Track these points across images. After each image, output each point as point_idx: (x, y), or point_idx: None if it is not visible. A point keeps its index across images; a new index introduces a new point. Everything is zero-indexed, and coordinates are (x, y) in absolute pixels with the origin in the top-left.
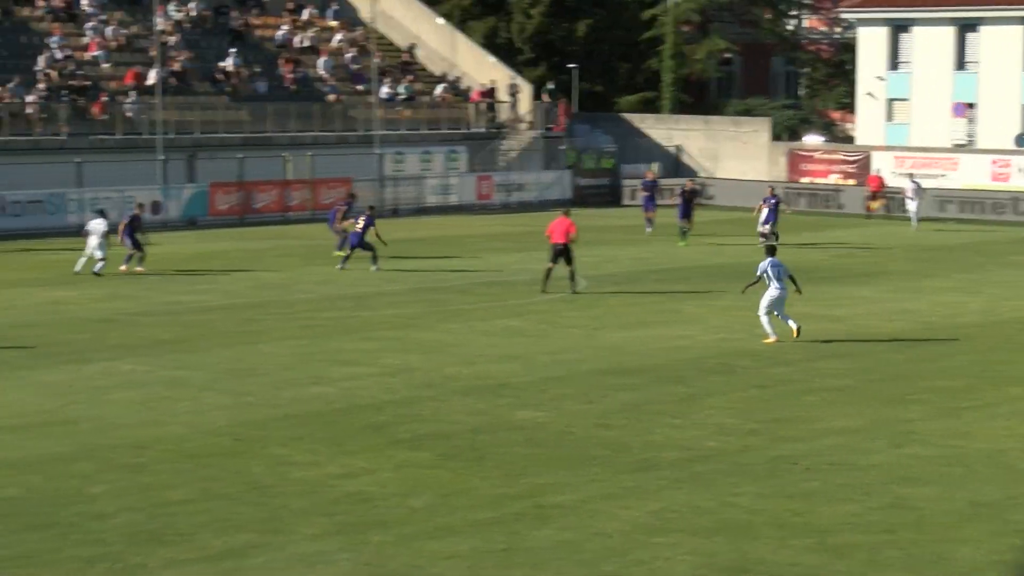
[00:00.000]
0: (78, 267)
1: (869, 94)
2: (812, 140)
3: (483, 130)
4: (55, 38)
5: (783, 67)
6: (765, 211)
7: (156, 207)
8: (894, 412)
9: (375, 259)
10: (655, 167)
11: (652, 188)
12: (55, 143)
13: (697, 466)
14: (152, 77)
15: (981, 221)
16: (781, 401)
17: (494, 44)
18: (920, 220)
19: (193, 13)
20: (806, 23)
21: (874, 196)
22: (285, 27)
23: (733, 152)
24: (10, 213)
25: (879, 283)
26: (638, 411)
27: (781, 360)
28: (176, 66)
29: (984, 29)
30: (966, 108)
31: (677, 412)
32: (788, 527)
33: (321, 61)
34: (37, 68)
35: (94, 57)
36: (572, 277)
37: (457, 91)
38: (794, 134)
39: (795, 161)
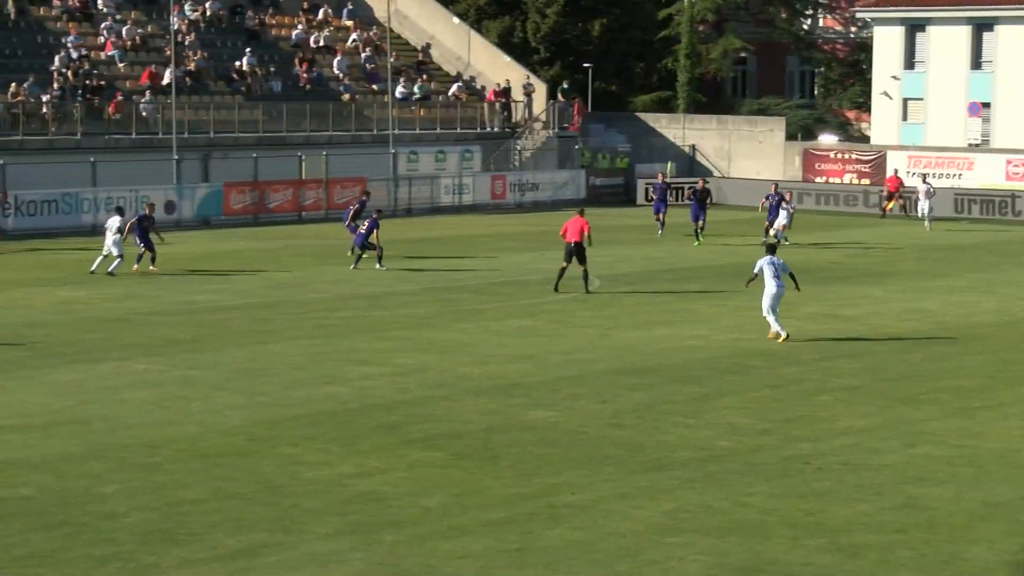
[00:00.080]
0: (93, 266)
1: (884, 93)
2: (827, 140)
3: (497, 130)
4: (71, 37)
5: (798, 66)
6: (782, 211)
7: (170, 206)
8: (907, 412)
9: (380, 259)
10: (670, 167)
11: (663, 191)
12: (70, 142)
13: (710, 466)
14: (167, 76)
15: (996, 221)
16: (794, 401)
17: (509, 43)
18: (932, 220)
19: (208, 13)
20: (821, 22)
21: (891, 196)
22: (300, 27)
23: (748, 152)
24: (25, 212)
25: (892, 283)
26: (651, 411)
27: (794, 360)
28: (191, 66)
29: (1000, 29)
30: (981, 108)
31: (690, 412)
32: (801, 527)
33: (336, 61)
34: (52, 68)
35: (109, 57)
36: (585, 276)
37: (472, 91)
38: (809, 134)
39: (810, 161)
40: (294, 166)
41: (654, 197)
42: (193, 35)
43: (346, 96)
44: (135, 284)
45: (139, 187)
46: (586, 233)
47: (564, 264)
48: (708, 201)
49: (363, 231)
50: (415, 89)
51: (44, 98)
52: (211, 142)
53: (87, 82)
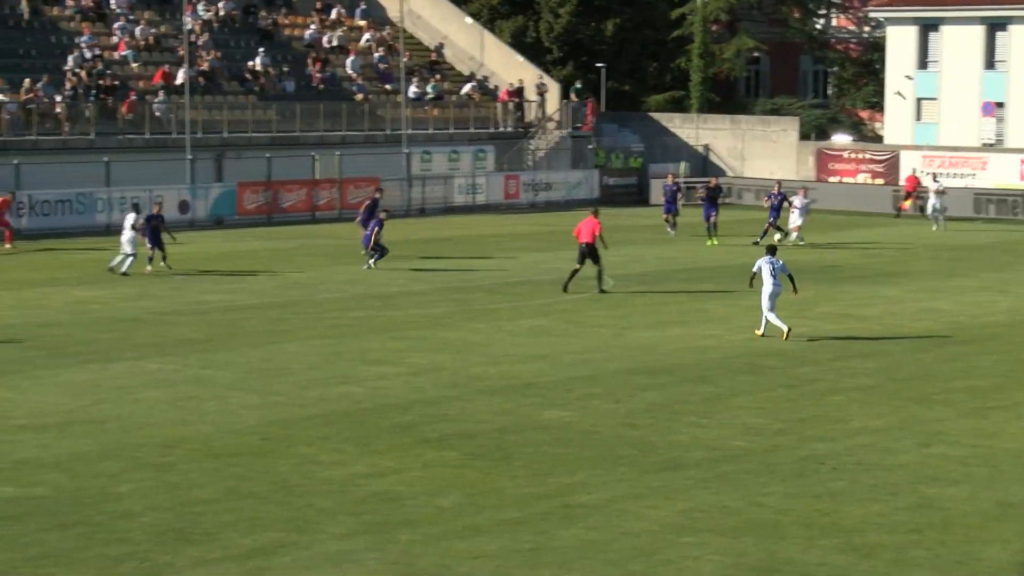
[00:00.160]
0: (112, 264)
1: (898, 93)
2: (840, 139)
3: (511, 129)
4: (84, 37)
5: (811, 66)
6: (795, 211)
7: (184, 206)
8: (921, 412)
9: (379, 258)
10: (683, 167)
11: (674, 192)
12: (83, 142)
13: (724, 466)
14: (180, 76)
15: (1010, 220)
16: (808, 401)
17: (522, 43)
18: (947, 219)
19: (222, 12)
20: (835, 22)
21: (908, 195)
22: (313, 26)
23: (761, 151)
24: (39, 212)
25: (906, 282)
26: (665, 411)
27: (808, 359)
28: (204, 65)
29: (1013, 28)
30: (995, 107)
31: (704, 412)
32: (815, 527)
33: (349, 60)
34: (66, 67)
35: (123, 56)
36: (600, 276)
37: (485, 90)
38: (822, 133)
39: (823, 160)
40: (307, 166)
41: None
42: (206, 35)
43: (359, 96)
44: (149, 284)
45: (153, 187)
46: (597, 234)
47: (576, 266)
48: (719, 199)
49: (369, 231)
50: (428, 89)
51: (57, 98)
52: (224, 142)
53: (100, 82)
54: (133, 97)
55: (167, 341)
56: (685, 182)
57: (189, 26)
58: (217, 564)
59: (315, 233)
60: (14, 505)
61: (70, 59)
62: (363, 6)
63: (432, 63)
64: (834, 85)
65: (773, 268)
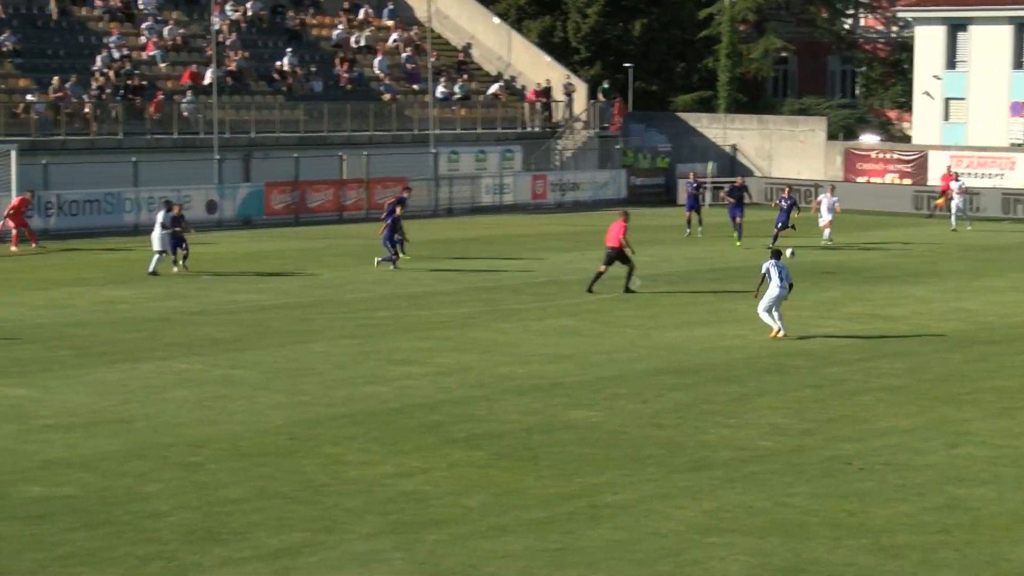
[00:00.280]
0: (174, 267)
1: (926, 93)
2: (868, 139)
3: (538, 129)
4: (112, 38)
5: (839, 66)
6: (825, 210)
7: (212, 206)
8: (949, 412)
9: (384, 260)
10: (711, 167)
11: (696, 190)
12: (111, 142)
13: (751, 466)
14: (208, 76)
15: None
16: (835, 401)
17: (550, 43)
18: (965, 219)
19: (249, 13)
20: (863, 22)
21: (942, 194)
22: (341, 26)
23: (789, 151)
24: (67, 212)
25: (934, 282)
26: (692, 411)
27: (835, 360)
28: (232, 65)
29: None
30: (1023, 107)
31: (731, 412)
32: (843, 527)
33: (377, 60)
34: (94, 68)
35: (151, 57)
36: (629, 276)
37: (512, 90)
38: (850, 133)
39: (851, 160)
40: (335, 166)
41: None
42: (234, 35)
43: (387, 96)
44: (176, 284)
45: (181, 187)
46: (621, 238)
47: (602, 267)
48: (746, 199)
49: (386, 229)
50: (456, 89)
51: (85, 98)
52: (252, 142)
53: (128, 82)
54: (161, 97)
55: (195, 341)
56: (712, 182)
57: (217, 26)
58: (245, 564)
59: (342, 233)
60: (42, 504)
61: (98, 59)
62: (391, 6)
63: (460, 63)
64: (862, 85)
65: (780, 272)
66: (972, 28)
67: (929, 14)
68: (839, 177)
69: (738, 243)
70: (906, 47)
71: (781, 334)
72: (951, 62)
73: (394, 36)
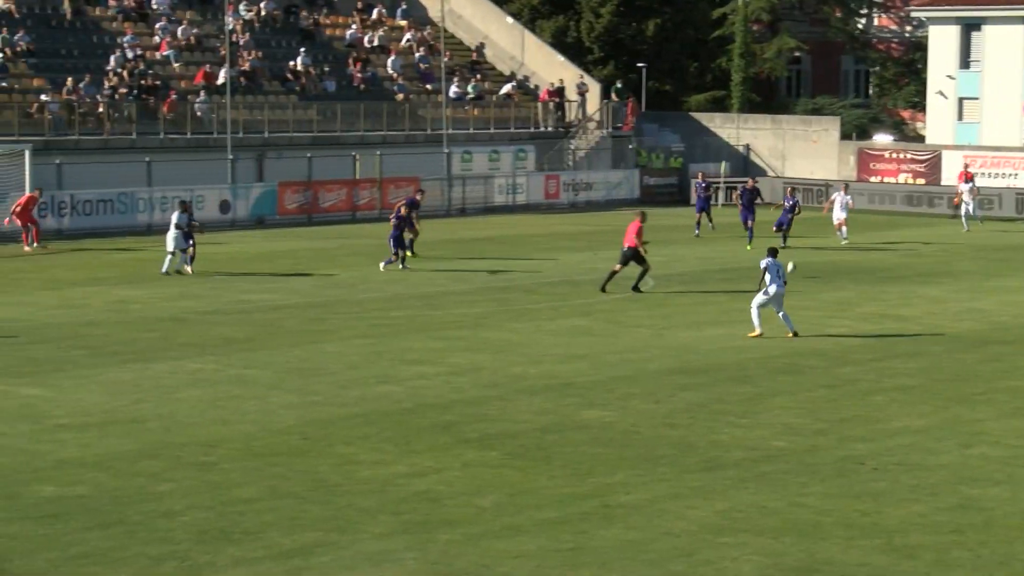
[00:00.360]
0: (188, 267)
1: (939, 93)
2: (882, 139)
3: (551, 129)
4: (126, 37)
5: (853, 66)
6: (839, 208)
7: (225, 206)
8: (962, 412)
9: (389, 262)
10: (724, 167)
11: (706, 191)
12: (125, 142)
13: (764, 466)
14: (222, 76)
15: None
16: (848, 401)
17: (563, 43)
18: (974, 219)
19: (263, 12)
20: (876, 22)
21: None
22: (354, 26)
23: (802, 151)
24: (80, 212)
25: (948, 282)
26: (705, 411)
27: (848, 359)
28: (246, 65)
29: None
30: None
31: (744, 412)
32: (856, 527)
33: (390, 60)
34: (108, 67)
35: (164, 56)
36: (641, 276)
37: (525, 90)
38: (864, 133)
39: (864, 160)
40: (348, 166)
41: (698, 196)
42: (248, 35)
43: (400, 96)
44: (190, 284)
45: (194, 187)
46: (634, 236)
47: (616, 267)
48: (758, 201)
49: (394, 230)
50: (469, 89)
51: (99, 98)
52: (265, 142)
53: (142, 82)
54: (174, 97)
55: (208, 341)
56: (725, 182)
57: (231, 26)
58: (258, 563)
59: (355, 233)
60: (55, 504)
61: (112, 59)
62: (404, 6)
63: (473, 63)
64: (875, 85)
65: (778, 270)
66: (986, 28)
67: (943, 14)
68: (852, 177)
69: (748, 247)
70: (920, 47)
71: (754, 334)
72: (965, 62)
73: (407, 36)
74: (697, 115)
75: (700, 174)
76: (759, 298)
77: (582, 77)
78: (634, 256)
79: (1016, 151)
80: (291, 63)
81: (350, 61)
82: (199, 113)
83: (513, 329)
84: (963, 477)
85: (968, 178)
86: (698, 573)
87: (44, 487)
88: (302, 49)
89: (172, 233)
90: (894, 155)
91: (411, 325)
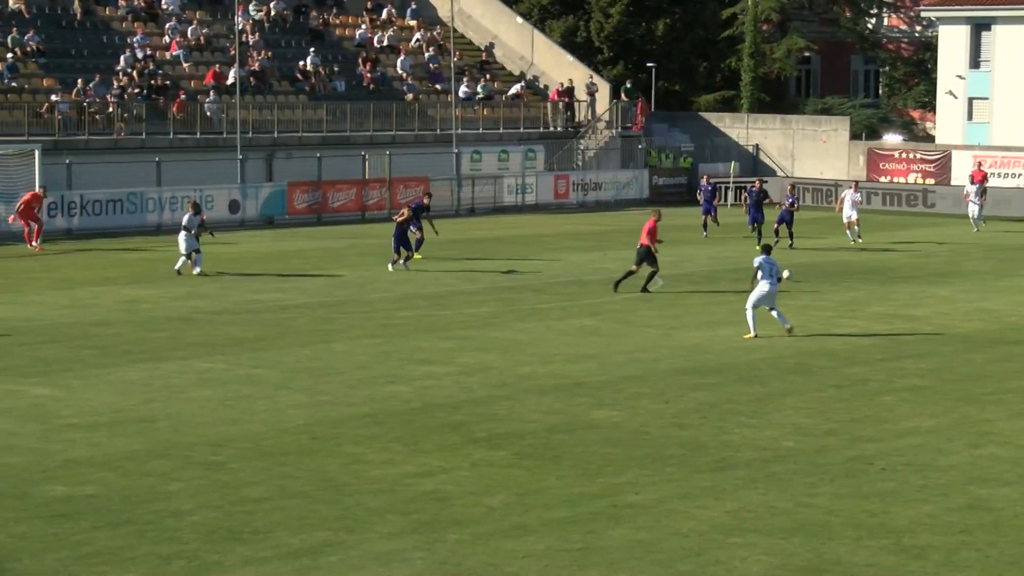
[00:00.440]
0: (194, 269)
1: (949, 93)
2: (891, 139)
3: (560, 129)
4: (136, 37)
5: (863, 66)
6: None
7: (234, 206)
8: (972, 412)
9: (392, 263)
10: (733, 167)
11: (711, 192)
12: (135, 142)
13: (773, 466)
14: (231, 76)
15: None
16: (858, 401)
17: (572, 43)
18: (983, 219)
19: (273, 12)
20: (886, 21)
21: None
22: (364, 26)
23: (812, 151)
24: (90, 212)
25: (958, 282)
26: (714, 411)
27: (858, 360)
28: (255, 65)
29: None
30: None
31: (754, 412)
32: (865, 528)
33: (399, 60)
34: (118, 67)
35: (174, 56)
36: (650, 277)
37: (535, 90)
38: (873, 133)
39: (874, 160)
40: (357, 166)
41: (703, 198)
42: (257, 35)
43: (409, 96)
44: (199, 283)
45: (203, 186)
46: (646, 234)
47: (633, 267)
48: (766, 202)
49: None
50: (478, 89)
51: (109, 98)
52: (275, 142)
53: (152, 82)
54: (184, 97)
55: (217, 340)
56: (734, 182)
57: (240, 26)
58: (266, 563)
59: (364, 233)
60: (65, 504)
61: (122, 59)
62: (413, 6)
63: (482, 63)
64: (885, 85)
65: (771, 269)
66: (996, 27)
67: (953, 13)
68: (862, 177)
69: (758, 247)
70: (929, 47)
71: (748, 336)
72: (975, 61)
73: (417, 36)
74: (706, 115)
75: (705, 176)
76: (753, 297)
77: (592, 77)
78: (647, 255)
79: None
80: (301, 63)
81: (360, 61)
82: (208, 113)
83: (522, 329)
84: (972, 477)
85: (981, 179)
86: (707, 573)
87: (53, 487)
88: (312, 49)
89: (183, 235)
90: (904, 155)
91: (420, 325)
